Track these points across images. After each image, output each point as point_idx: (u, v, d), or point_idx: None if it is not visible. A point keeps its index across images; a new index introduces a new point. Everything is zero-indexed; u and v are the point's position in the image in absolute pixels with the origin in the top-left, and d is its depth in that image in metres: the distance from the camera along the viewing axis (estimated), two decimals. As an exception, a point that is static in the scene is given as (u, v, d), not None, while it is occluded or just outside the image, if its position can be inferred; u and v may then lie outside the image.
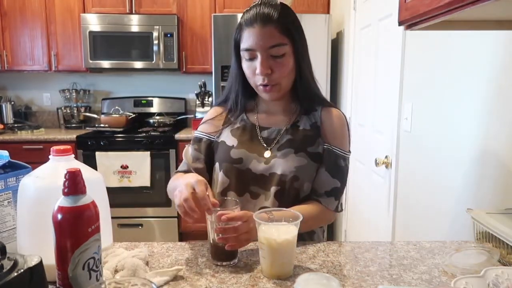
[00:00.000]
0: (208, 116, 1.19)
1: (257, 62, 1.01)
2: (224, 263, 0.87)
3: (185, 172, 1.13)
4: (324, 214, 1.08)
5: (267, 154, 1.08)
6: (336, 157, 1.08)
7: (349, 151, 1.13)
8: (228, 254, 0.87)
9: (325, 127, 1.10)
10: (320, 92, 1.13)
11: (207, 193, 0.85)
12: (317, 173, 1.08)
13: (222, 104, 1.19)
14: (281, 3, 1.04)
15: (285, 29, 1.01)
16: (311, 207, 1.05)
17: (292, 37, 1.02)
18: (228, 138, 1.12)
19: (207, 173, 1.14)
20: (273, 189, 1.05)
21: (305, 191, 1.08)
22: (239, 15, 2.97)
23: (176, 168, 3.61)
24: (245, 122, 1.13)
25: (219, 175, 1.10)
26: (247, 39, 1.01)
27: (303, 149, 1.07)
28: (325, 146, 1.08)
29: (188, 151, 1.16)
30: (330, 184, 1.07)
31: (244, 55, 1.04)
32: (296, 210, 0.91)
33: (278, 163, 1.06)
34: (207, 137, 1.15)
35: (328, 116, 1.11)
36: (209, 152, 1.14)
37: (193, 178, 0.89)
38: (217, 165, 1.12)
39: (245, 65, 1.05)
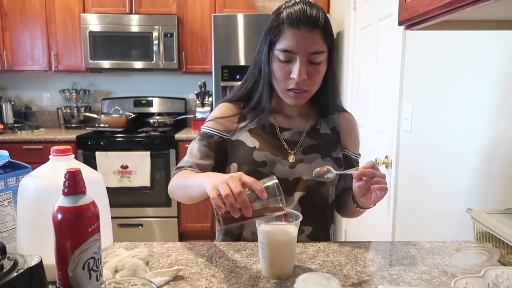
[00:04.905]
0: (218, 112, 1.11)
1: (296, 66, 0.96)
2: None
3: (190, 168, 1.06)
4: None
5: (291, 158, 1.05)
6: (354, 162, 1.13)
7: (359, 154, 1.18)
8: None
9: (344, 132, 1.13)
10: (339, 99, 1.16)
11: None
12: (341, 177, 1.11)
13: (237, 100, 1.12)
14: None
15: (328, 36, 0.98)
16: None
17: (331, 45, 1.00)
18: (247, 138, 1.06)
19: (213, 171, 1.06)
20: (297, 194, 1.04)
21: (331, 195, 1.10)
22: (239, 15, 3.01)
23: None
24: (264, 122, 1.08)
25: None
26: (290, 40, 0.96)
27: (328, 154, 1.07)
28: (344, 152, 1.12)
29: (194, 147, 1.09)
30: None
31: (280, 55, 0.98)
32: None
33: (305, 169, 1.03)
34: (219, 135, 1.08)
35: (346, 122, 1.15)
36: (219, 149, 1.08)
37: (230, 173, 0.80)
38: (234, 165, 1.06)
39: (277, 66, 1.00)
